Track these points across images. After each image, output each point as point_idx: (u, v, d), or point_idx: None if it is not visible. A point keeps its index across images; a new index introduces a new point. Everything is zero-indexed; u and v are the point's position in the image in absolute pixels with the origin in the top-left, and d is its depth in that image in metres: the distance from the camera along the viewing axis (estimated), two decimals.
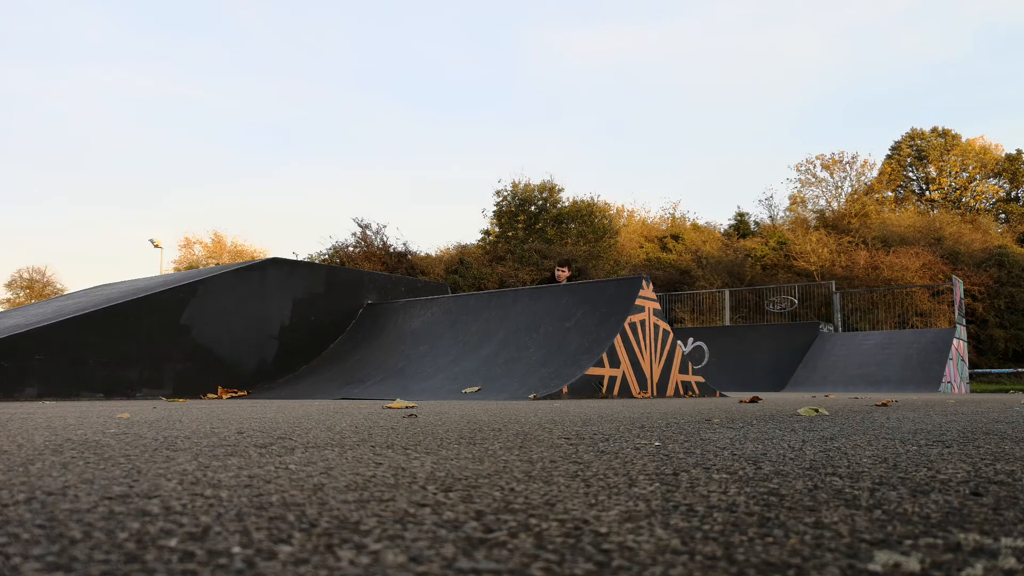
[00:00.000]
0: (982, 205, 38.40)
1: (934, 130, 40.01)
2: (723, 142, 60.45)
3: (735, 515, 0.79)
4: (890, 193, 38.20)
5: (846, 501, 0.88)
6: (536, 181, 30.70)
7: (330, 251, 26.16)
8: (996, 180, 39.04)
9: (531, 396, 5.17)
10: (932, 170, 39.31)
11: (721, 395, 6.87)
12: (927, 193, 39.58)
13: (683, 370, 6.85)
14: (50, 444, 1.53)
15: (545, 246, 27.51)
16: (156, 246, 33.45)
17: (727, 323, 17.99)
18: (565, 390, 5.33)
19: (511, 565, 0.57)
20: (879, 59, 57.17)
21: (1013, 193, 38.65)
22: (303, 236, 55.39)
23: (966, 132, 45.34)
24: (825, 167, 37.24)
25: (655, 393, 6.36)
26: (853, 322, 19.32)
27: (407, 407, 3.52)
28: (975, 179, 39.04)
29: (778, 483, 1.02)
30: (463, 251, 29.02)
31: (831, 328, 15.72)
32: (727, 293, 18.73)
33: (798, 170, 39.43)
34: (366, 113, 62.17)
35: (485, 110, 62.17)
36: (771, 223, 36.50)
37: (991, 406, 3.97)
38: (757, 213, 39.37)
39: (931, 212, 35.86)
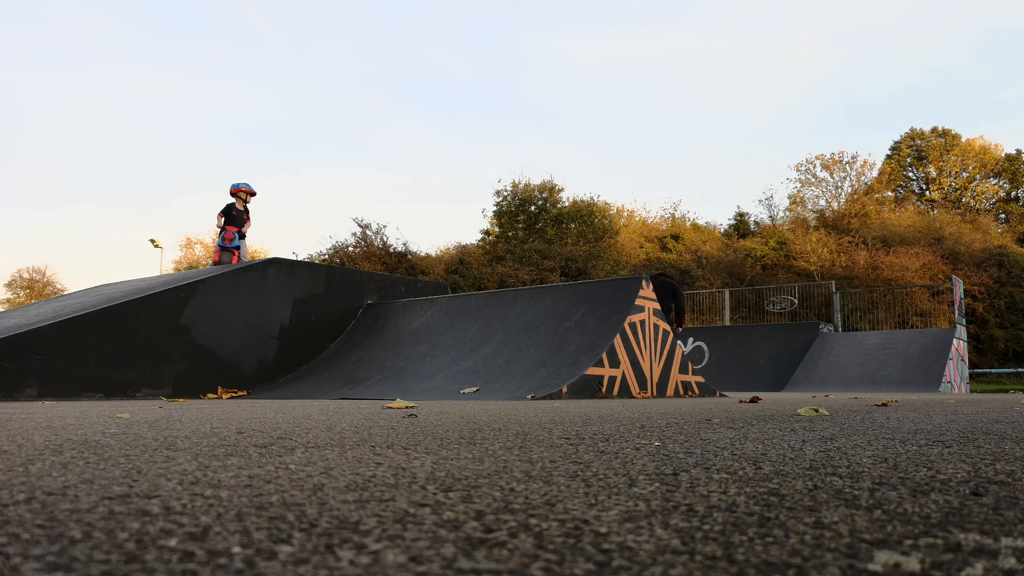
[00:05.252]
0: (982, 205, 38.41)
1: (934, 130, 40.02)
2: (723, 142, 60.47)
3: (735, 515, 0.79)
4: (890, 193, 38.21)
5: (846, 501, 0.88)
6: (536, 181, 30.74)
7: (330, 251, 26.16)
8: (996, 180, 39.05)
9: (528, 396, 5.17)
10: (932, 170, 39.32)
11: (721, 395, 6.87)
12: (927, 193, 39.58)
13: (683, 370, 6.85)
14: (50, 444, 1.53)
15: (545, 246, 27.52)
16: (156, 246, 33.40)
17: (727, 323, 17.98)
18: (565, 390, 5.33)
19: (511, 565, 0.57)
20: (879, 59, 57.21)
21: (1013, 193, 38.65)
22: (303, 236, 55.43)
23: (966, 132, 45.35)
24: (825, 167, 37.25)
25: (655, 393, 6.36)
26: (853, 322, 19.31)
27: (407, 407, 3.52)
28: (975, 179, 39.05)
29: (778, 483, 1.02)
30: (463, 251, 29.02)
31: (831, 328, 15.72)
32: (727, 293, 18.73)
33: (798, 170, 39.44)
34: (367, 113, 62.20)
35: (486, 110, 62.19)
36: (771, 223, 36.50)
37: (991, 406, 3.97)
38: (757, 213, 39.36)
39: (931, 212, 35.86)
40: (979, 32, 55.11)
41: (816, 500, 0.89)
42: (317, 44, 60.05)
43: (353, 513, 0.78)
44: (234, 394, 6.53)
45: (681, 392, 6.70)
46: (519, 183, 30.61)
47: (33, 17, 54.47)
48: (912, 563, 0.59)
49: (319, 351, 7.83)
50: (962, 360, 14.03)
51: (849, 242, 28.98)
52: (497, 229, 31.04)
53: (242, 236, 9.48)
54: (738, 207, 51.50)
